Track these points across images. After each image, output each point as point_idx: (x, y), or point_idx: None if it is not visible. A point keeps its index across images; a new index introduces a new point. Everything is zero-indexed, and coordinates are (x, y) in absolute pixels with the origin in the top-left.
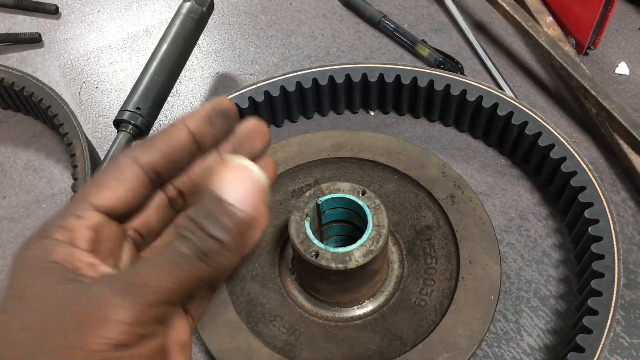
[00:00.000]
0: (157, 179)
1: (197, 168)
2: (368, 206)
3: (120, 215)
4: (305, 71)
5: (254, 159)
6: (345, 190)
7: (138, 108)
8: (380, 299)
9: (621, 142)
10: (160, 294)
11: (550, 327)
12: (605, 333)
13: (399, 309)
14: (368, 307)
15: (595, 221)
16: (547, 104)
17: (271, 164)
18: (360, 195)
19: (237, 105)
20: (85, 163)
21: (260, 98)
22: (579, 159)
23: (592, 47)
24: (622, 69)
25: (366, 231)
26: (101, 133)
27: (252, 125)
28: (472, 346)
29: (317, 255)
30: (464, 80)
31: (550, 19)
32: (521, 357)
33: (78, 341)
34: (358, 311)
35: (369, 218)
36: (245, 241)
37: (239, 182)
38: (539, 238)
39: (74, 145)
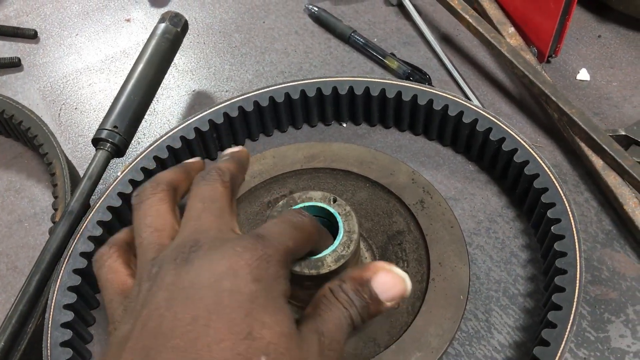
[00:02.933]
0: None
1: None
2: (339, 213)
3: None
4: (278, 86)
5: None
6: (317, 199)
7: (115, 126)
8: None
9: (582, 144)
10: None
11: (519, 324)
12: (568, 327)
13: None
14: None
15: (558, 220)
16: (512, 111)
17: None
18: (332, 202)
19: (212, 121)
20: (65, 182)
21: (234, 113)
22: (540, 162)
23: (553, 55)
24: (583, 75)
25: (337, 237)
26: (81, 152)
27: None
28: (443, 345)
29: None
30: (430, 90)
31: (512, 29)
32: (492, 354)
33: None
34: None
35: (340, 224)
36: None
37: (393, 286)
38: (506, 239)
39: (54, 164)
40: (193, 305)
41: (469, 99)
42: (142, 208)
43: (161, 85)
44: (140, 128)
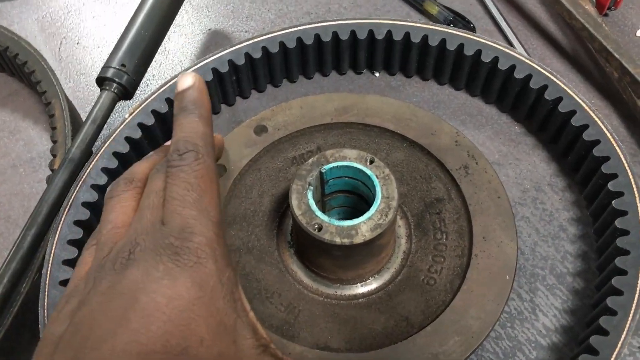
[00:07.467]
0: None
1: None
2: (377, 176)
3: None
4: (307, 26)
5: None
6: (351, 158)
7: (123, 65)
8: (386, 276)
9: None
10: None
11: (567, 307)
12: (631, 315)
13: (405, 287)
14: (372, 284)
15: (620, 194)
16: (564, 68)
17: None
18: (368, 164)
19: (232, 61)
20: (66, 124)
21: (257, 54)
22: (602, 126)
23: (613, 7)
24: None
25: (374, 203)
26: (83, 93)
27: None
28: (485, 329)
29: (320, 228)
30: (479, 39)
31: None
32: (536, 338)
33: None
34: (362, 289)
35: (378, 189)
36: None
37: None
38: (555, 211)
39: (53, 104)
40: (124, 314)
41: None
42: (110, 204)
43: (173, 22)
44: (149, 69)
